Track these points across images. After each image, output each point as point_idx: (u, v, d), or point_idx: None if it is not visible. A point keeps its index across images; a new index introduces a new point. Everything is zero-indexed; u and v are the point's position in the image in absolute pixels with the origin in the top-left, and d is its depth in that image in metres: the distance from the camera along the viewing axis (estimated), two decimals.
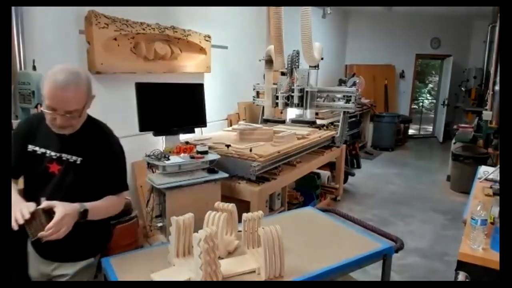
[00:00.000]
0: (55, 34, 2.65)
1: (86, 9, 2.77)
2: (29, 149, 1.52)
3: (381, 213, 4.28)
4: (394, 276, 2.82)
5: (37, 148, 1.52)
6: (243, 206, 2.51)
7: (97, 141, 1.55)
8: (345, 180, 4.99)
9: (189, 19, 3.74)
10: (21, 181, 1.60)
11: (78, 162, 1.50)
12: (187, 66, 3.72)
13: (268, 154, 2.99)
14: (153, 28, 3.23)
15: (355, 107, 4.14)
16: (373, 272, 2.53)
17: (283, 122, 4.54)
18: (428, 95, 14.37)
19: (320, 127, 4.40)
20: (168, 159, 2.57)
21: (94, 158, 1.52)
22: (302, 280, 1.44)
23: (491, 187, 2.25)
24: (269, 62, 4.42)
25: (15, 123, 2.25)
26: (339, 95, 4.31)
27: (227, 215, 1.69)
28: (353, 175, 5.25)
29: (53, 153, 1.51)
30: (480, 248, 1.55)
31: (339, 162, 4.45)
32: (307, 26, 3.96)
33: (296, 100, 4.15)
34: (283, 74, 4.31)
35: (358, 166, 6.23)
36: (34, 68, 2.30)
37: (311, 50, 4.13)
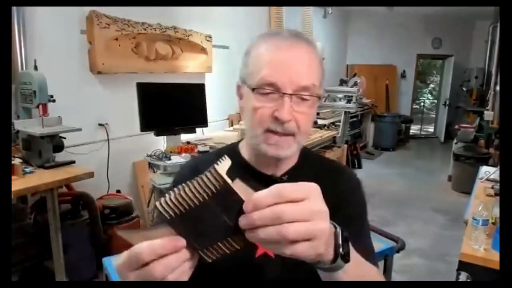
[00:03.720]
0: (57, 34, 2.66)
1: (87, 9, 2.77)
2: None
3: (382, 213, 4.28)
4: (395, 276, 2.82)
5: None
6: None
7: (331, 181, 0.79)
8: None
9: (191, 19, 3.74)
10: None
11: None
12: (188, 66, 3.72)
13: None
14: (154, 28, 3.23)
15: (356, 107, 4.14)
16: None
17: None
18: (429, 95, 14.34)
19: (321, 127, 4.39)
20: (170, 159, 2.57)
21: (333, 210, 0.64)
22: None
23: (492, 187, 2.25)
24: None
25: (16, 122, 2.27)
26: (340, 95, 4.31)
27: None
28: None
29: None
30: (481, 248, 1.55)
31: (340, 162, 4.44)
32: (308, 26, 3.96)
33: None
34: None
35: (359, 166, 6.22)
36: (35, 68, 2.31)
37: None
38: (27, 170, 2.12)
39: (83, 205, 2.59)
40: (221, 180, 0.42)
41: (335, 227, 0.53)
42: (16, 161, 2.14)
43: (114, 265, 1.57)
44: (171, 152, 2.71)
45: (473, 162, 4.72)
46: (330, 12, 6.41)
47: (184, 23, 3.64)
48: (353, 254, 0.56)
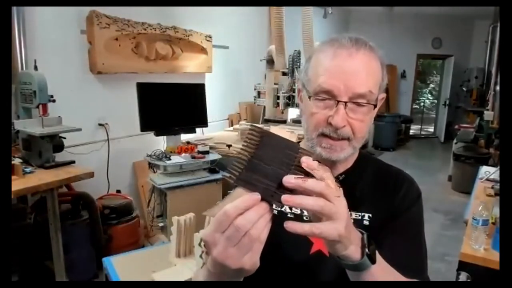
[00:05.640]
0: (57, 34, 2.66)
1: (87, 9, 2.77)
2: None
3: None
4: None
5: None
6: None
7: (389, 187, 0.88)
8: None
9: (190, 19, 3.74)
10: None
11: (366, 220, 0.81)
12: (188, 66, 3.72)
13: None
14: (154, 28, 3.23)
15: None
16: None
17: (284, 122, 4.54)
18: (429, 95, 14.35)
19: None
20: (169, 159, 2.58)
21: (388, 214, 0.82)
22: None
23: (492, 187, 2.25)
24: (270, 62, 4.41)
25: (16, 122, 2.27)
26: None
27: None
28: None
29: None
30: (481, 248, 1.55)
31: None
32: (308, 26, 3.96)
33: (297, 100, 4.15)
34: (284, 74, 4.31)
35: None
36: (35, 68, 2.31)
37: (312, 50, 4.13)
38: (27, 170, 2.12)
39: (83, 205, 2.60)
40: (259, 130, 0.52)
41: (362, 233, 0.60)
42: (16, 161, 2.14)
43: (112, 262, 1.57)
44: (171, 152, 2.71)
45: (473, 162, 4.72)
46: (330, 12, 6.42)
47: (184, 23, 3.64)
48: (381, 259, 0.63)
